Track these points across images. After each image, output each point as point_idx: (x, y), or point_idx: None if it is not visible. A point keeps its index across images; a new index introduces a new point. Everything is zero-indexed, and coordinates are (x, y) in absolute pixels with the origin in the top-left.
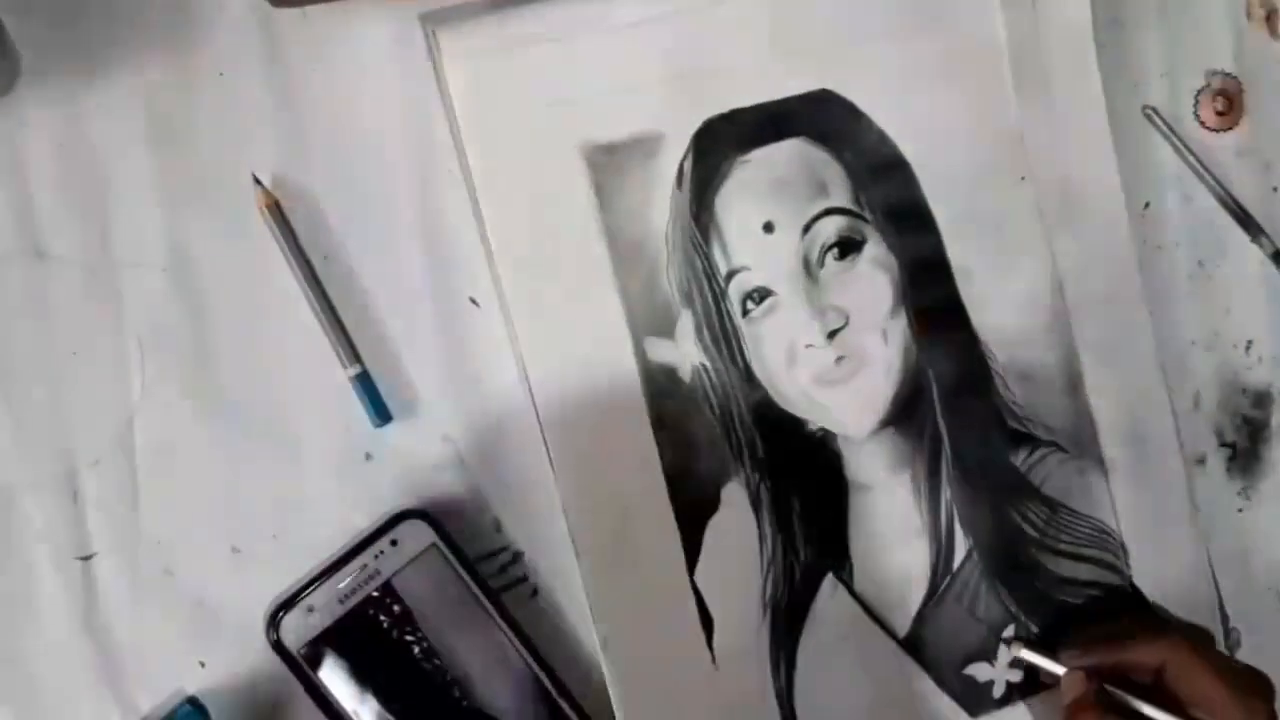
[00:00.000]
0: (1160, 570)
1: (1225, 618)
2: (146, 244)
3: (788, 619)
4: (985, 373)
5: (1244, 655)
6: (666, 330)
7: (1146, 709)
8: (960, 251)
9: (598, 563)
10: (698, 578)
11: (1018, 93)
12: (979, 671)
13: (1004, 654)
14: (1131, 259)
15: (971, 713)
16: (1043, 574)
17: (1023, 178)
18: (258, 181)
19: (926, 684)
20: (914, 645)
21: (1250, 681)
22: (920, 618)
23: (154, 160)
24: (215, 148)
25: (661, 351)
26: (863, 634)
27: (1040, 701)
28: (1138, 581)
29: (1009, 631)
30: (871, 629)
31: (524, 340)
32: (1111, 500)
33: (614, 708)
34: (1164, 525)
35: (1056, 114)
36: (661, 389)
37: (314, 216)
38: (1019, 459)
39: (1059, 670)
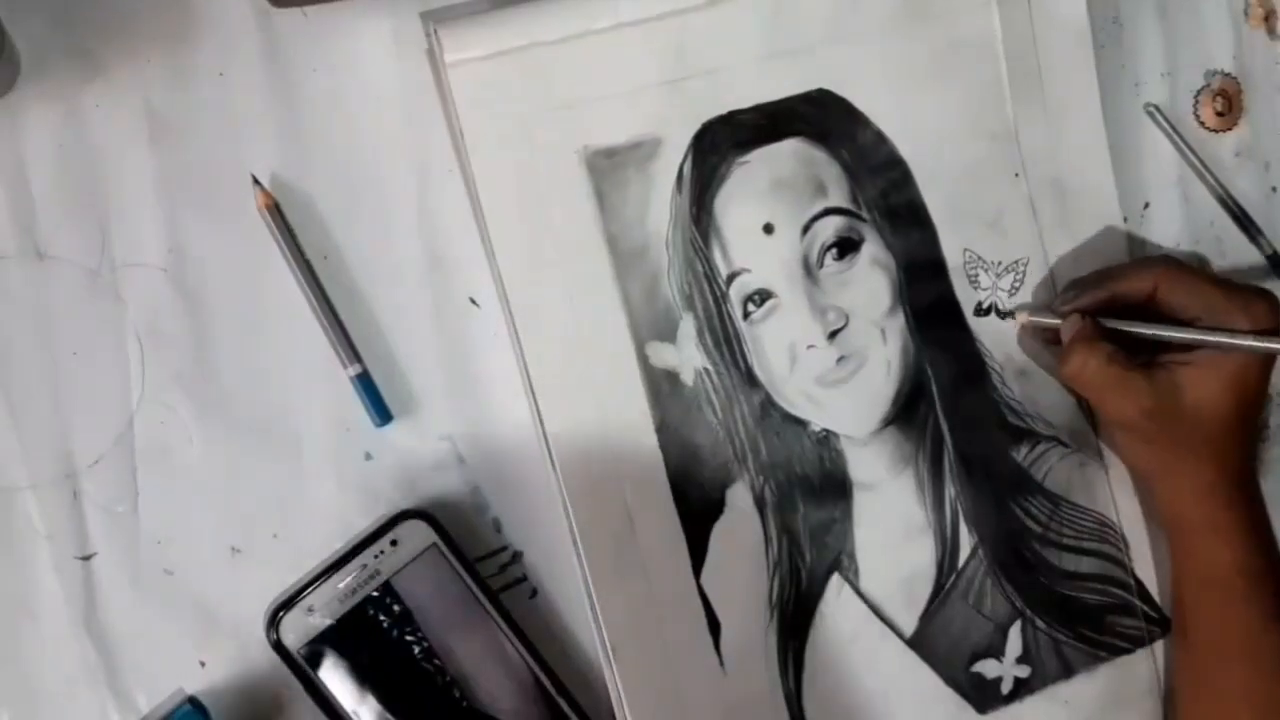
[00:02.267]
0: (1160, 562)
1: None
2: (146, 244)
3: (795, 620)
4: (983, 370)
5: None
6: (668, 334)
7: (1144, 329)
8: (955, 249)
9: (604, 568)
10: (704, 581)
11: (1013, 90)
12: (986, 668)
13: (1011, 650)
14: (1123, 255)
15: (980, 709)
16: (1047, 569)
17: (1017, 174)
18: (257, 182)
19: (934, 682)
20: (921, 643)
21: (1247, 290)
22: (927, 616)
23: (154, 160)
24: (215, 148)
25: (663, 356)
26: (870, 633)
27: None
28: (1139, 573)
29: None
30: (878, 628)
31: (526, 346)
32: (1111, 494)
33: (623, 712)
34: None
35: (1051, 111)
36: (664, 393)
37: (314, 216)
38: (1020, 454)
39: (1058, 322)
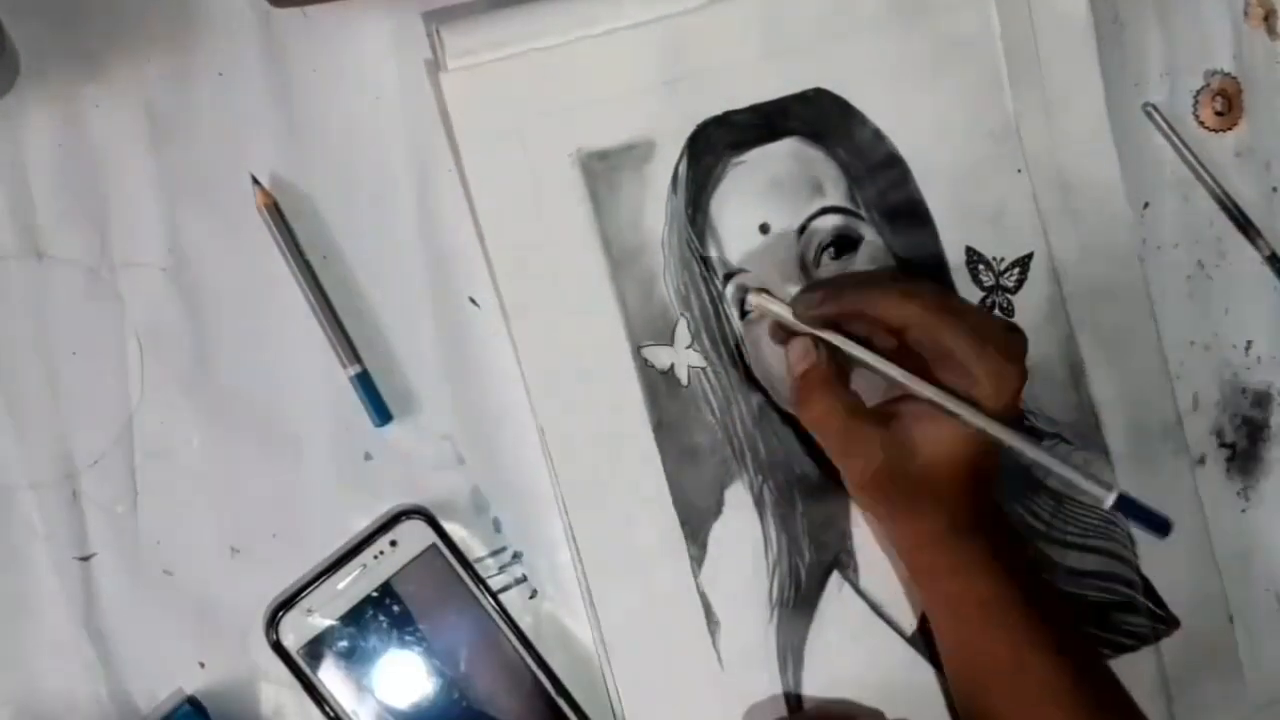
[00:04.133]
0: (1168, 560)
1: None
2: (146, 244)
3: (794, 619)
4: None
5: (1233, 654)
6: (665, 335)
7: (883, 366)
8: (957, 246)
9: (603, 568)
10: (703, 581)
11: (1012, 85)
12: None
13: None
14: (1131, 250)
15: None
16: (1050, 566)
17: (1019, 170)
18: (256, 181)
19: (936, 679)
20: (922, 641)
21: (1001, 338)
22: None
23: (154, 160)
24: (215, 148)
25: (660, 357)
26: (870, 632)
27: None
28: (1145, 571)
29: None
30: (878, 626)
31: (523, 349)
32: None
33: (623, 712)
34: (1170, 513)
35: (1053, 105)
36: (661, 394)
37: (313, 216)
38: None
39: (788, 316)
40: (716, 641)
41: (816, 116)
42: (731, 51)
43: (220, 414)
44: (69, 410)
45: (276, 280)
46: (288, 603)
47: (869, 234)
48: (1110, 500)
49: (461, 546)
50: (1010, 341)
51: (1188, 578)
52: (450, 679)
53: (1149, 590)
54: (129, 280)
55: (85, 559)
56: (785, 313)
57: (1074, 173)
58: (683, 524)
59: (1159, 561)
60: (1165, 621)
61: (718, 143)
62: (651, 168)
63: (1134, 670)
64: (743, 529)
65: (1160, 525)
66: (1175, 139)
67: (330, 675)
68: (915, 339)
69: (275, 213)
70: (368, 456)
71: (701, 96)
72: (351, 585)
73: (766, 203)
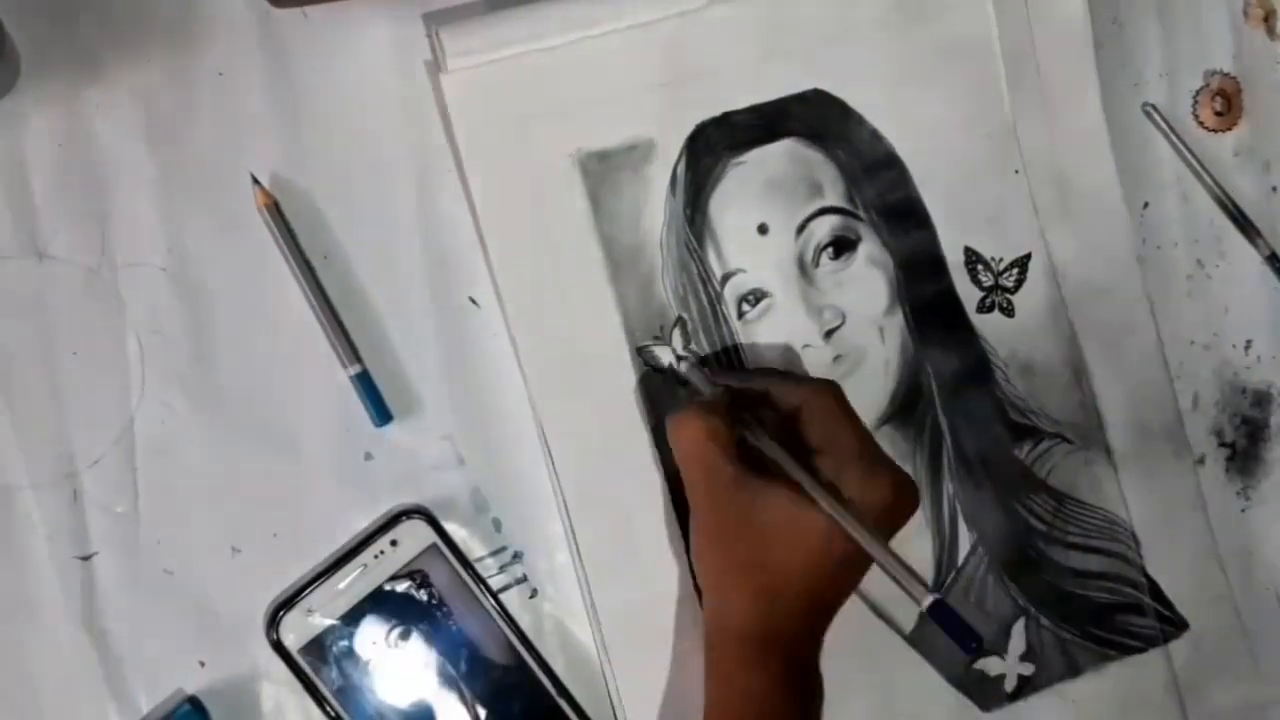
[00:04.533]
0: (1173, 559)
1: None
2: (146, 244)
3: None
4: (985, 367)
5: (1244, 655)
6: (664, 335)
7: (766, 442)
8: (955, 246)
9: (602, 568)
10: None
11: (1010, 86)
12: (989, 666)
13: (1014, 648)
14: (1130, 251)
15: (983, 708)
16: (1051, 566)
17: (1017, 171)
18: (256, 181)
19: (935, 680)
20: (921, 641)
21: (883, 464)
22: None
23: (154, 160)
24: (215, 147)
25: (659, 357)
26: (869, 631)
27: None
28: (1151, 571)
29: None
30: (878, 626)
31: (523, 349)
32: (1120, 491)
33: (623, 712)
34: (1174, 515)
35: (1051, 107)
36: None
37: (313, 216)
38: (1023, 452)
39: (705, 386)
40: None
41: (815, 117)
42: (731, 52)
43: (220, 414)
44: (69, 410)
45: (276, 280)
46: (288, 602)
47: (867, 234)
48: (926, 603)
49: (461, 546)
50: (893, 468)
51: (1193, 579)
52: (450, 679)
53: (1156, 592)
54: (129, 280)
55: (86, 558)
56: (707, 383)
57: (1071, 173)
58: (681, 523)
59: (1164, 563)
60: (1173, 623)
61: (717, 143)
62: (651, 168)
63: (1143, 673)
64: None
65: (968, 642)
66: (1175, 139)
67: (330, 675)
68: (805, 421)
69: (275, 212)
70: (368, 456)
71: (701, 97)
72: (351, 585)
73: (765, 203)
